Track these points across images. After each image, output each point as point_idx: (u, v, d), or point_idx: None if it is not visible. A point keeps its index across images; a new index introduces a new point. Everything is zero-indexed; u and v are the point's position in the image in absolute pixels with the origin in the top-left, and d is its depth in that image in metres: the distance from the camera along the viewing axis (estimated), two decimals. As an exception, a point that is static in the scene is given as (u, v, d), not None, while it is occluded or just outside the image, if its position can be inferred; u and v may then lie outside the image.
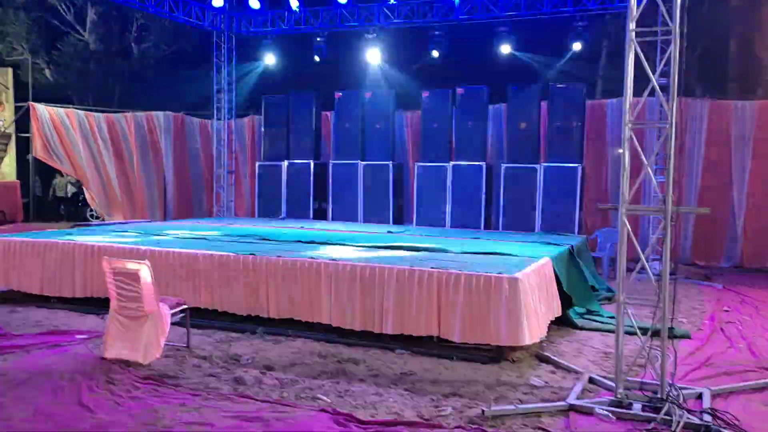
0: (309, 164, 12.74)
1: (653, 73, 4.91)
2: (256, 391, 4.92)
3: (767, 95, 12.48)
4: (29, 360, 5.53)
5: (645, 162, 4.88)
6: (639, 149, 5.01)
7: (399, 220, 12.28)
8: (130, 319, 5.55)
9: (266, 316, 6.61)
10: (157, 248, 7.16)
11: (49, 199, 17.24)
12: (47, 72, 20.10)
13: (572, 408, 4.62)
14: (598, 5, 11.21)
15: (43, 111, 14.81)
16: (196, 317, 6.56)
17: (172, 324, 5.82)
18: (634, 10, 4.81)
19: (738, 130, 11.50)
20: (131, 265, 5.47)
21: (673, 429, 4.21)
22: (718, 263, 11.66)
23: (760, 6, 14.41)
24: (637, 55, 4.86)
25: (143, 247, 7.21)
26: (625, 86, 4.82)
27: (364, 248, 7.73)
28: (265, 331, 6.52)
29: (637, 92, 4.92)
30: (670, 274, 4.66)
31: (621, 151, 5.00)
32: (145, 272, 5.40)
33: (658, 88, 4.89)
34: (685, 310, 8.05)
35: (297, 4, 13.06)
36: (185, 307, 6.00)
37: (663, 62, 5.04)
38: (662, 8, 5.14)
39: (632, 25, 4.81)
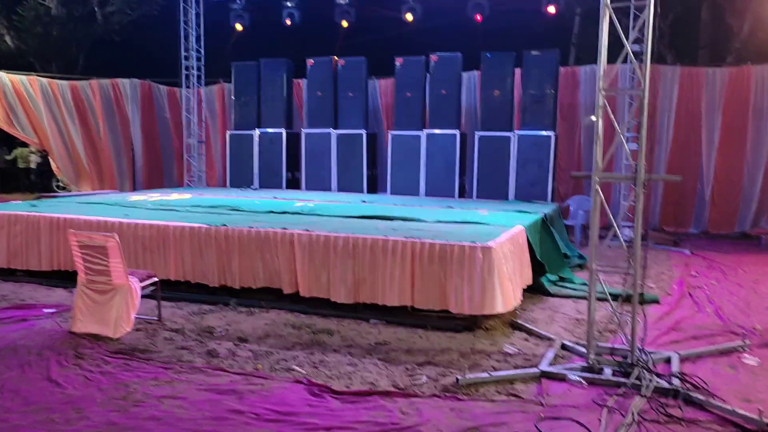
0: (281, 133, 12.55)
1: (627, 40, 4.86)
2: (230, 363, 4.89)
3: (737, 62, 12.55)
4: (-5, 336, 5.40)
5: (618, 129, 4.88)
6: (612, 117, 5.00)
7: (373, 188, 12.22)
8: (98, 293, 5.44)
9: (238, 287, 6.54)
10: (125, 220, 7.00)
11: (12, 170, 16.75)
12: (7, 38, 19.31)
13: (544, 374, 4.68)
14: (572, -30, 11.09)
15: (4, 78, 14.30)
16: (167, 290, 6.47)
17: (143, 297, 5.72)
18: (609, -25, 4.74)
19: (708, 97, 11.61)
20: (98, 238, 5.33)
21: (642, 393, 4.29)
22: (686, 229, 11.87)
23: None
24: (611, 22, 4.80)
25: (111, 219, 7.04)
26: (600, 53, 4.77)
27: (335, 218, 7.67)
28: (238, 303, 6.46)
29: (610, 59, 4.89)
30: (641, 239, 4.71)
31: (593, 118, 4.98)
32: (112, 245, 5.27)
33: (632, 54, 4.85)
34: (655, 275, 8.19)
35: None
36: (155, 279, 5.90)
37: (636, 29, 5.00)
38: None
39: (606, -9, 4.73)
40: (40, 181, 16.34)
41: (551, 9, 11.69)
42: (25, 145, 15.99)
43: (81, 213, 7.47)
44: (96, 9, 19.90)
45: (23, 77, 14.54)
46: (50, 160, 15.32)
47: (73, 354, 4.96)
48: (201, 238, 6.61)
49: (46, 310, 6.17)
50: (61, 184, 15.77)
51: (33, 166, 16.57)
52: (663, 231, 11.72)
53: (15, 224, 7.37)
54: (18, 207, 8.15)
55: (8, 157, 16.63)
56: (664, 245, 10.42)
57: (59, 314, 6.03)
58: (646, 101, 4.71)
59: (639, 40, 4.93)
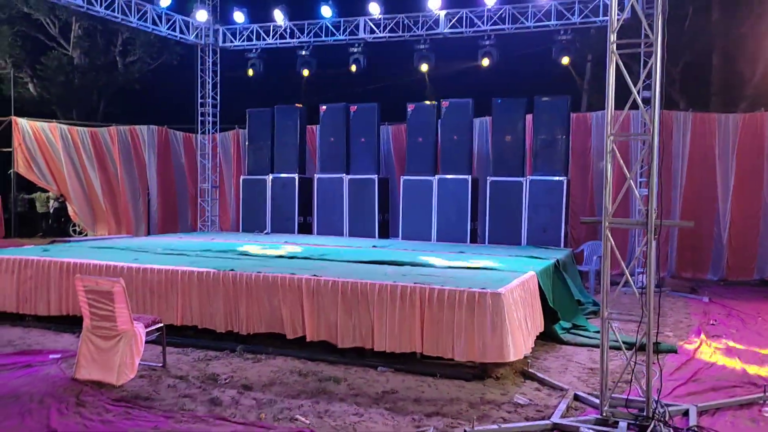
0: (294, 178, 12.63)
1: (636, 86, 4.85)
2: (233, 412, 4.78)
3: (750, 109, 12.52)
4: (-2, 381, 5.35)
5: (628, 175, 4.82)
6: (621, 162, 4.95)
7: (385, 233, 12.18)
8: (103, 338, 5.39)
9: (246, 333, 6.46)
10: (133, 264, 7.00)
11: (30, 215, 16.99)
12: (30, 86, 19.91)
13: (556, 427, 4.51)
14: (581, 18, 11.24)
15: (25, 125, 14.66)
16: (173, 335, 6.41)
17: (148, 342, 5.67)
18: (615, 23, 4.77)
19: (722, 142, 11.53)
20: (104, 283, 5.32)
21: (659, 448, 4.11)
22: (704, 275, 11.63)
23: (741, 21, 14.54)
24: (618, 68, 4.81)
25: (119, 264, 7.04)
26: (607, 99, 4.76)
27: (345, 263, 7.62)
28: (244, 349, 6.36)
29: (622, 105, 4.87)
30: (656, 287, 4.58)
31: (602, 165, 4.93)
32: (118, 290, 5.25)
33: (639, 100, 4.83)
34: (672, 323, 7.99)
35: (282, 17, 13.03)
36: (161, 325, 5.85)
37: (645, 74, 5.00)
38: (644, 21, 5.12)
39: (612, 38, 4.76)
40: (57, 226, 16.54)
41: (565, 60, 11.79)
42: (44, 190, 16.26)
43: (91, 258, 7.49)
44: (117, 58, 20.50)
45: (44, 124, 14.89)
46: (67, 205, 15.54)
47: (75, 402, 4.89)
48: (209, 282, 6.58)
49: (51, 356, 6.13)
50: (77, 228, 15.94)
51: (51, 210, 16.80)
52: (680, 278, 11.50)
53: (26, 269, 7.39)
54: (29, 252, 8.21)
55: (35, 201, 16.88)
56: (681, 292, 10.20)
57: (65, 360, 5.98)
58: (656, 146, 4.66)
59: (649, 86, 4.92)
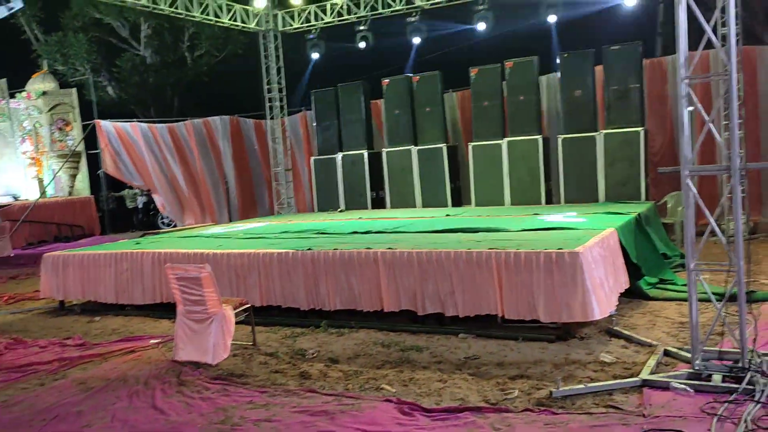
0: (363, 154, 12.74)
1: (710, 23, 4.57)
2: (322, 384, 4.96)
3: None
4: (107, 367, 5.77)
5: (707, 118, 4.57)
6: (699, 106, 4.70)
7: (458, 201, 12.13)
8: (196, 321, 5.70)
9: (328, 309, 6.65)
10: (218, 251, 7.32)
11: (120, 211, 18.02)
12: (109, 89, 20.94)
13: (646, 383, 4.42)
14: (648, -42, 10.63)
15: (108, 127, 15.44)
16: (261, 315, 6.68)
17: (238, 323, 5.94)
18: (682, -42, 4.49)
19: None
20: (192, 270, 5.61)
21: (756, 398, 3.96)
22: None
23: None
24: (689, 5, 4.54)
25: (205, 251, 7.38)
26: (678, 39, 4.52)
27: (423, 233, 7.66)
28: (328, 324, 6.56)
29: (695, 45, 4.61)
30: (750, 232, 4.37)
31: (691, 109, 4.70)
32: (205, 276, 5.52)
33: (714, 38, 4.55)
34: (767, 270, 7.58)
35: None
36: (248, 306, 6.11)
37: (720, 9, 4.70)
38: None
39: (681, -26, 4.49)
40: (147, 219, 17.46)
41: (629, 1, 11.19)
42: (130, 187, 17.16)
43: (179, 247, 7.89)
44: (186, 54, 21.17)
45: (126, 124, 15.65)
46: (155, 199, 16.34)
47: (176, 381, 5.21)
48: (289, 263, 6.80)
49: (152, 341, 6.53)
50: (165, 220, 16.76)
51: (140, 205, 17.73)
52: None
53: (121, 262, 7.88)
54: (123, 245, 8.74)
55: (125, 197, 17.90)
56: (777, 237, 9.63)
57: (164, 344, 6.36)
58: (735, 86, 4.39)
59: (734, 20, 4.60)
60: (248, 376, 5.28)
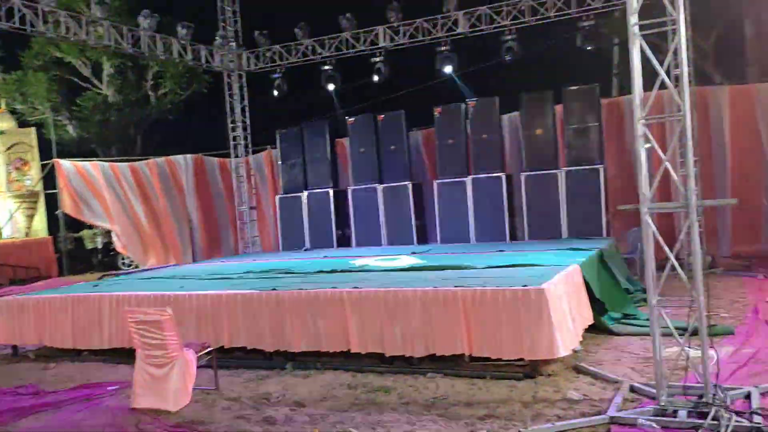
0: (328, 192, 12.74)
1: (663, 65, 4.73)
2: (287, 430, 4.82)
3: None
4: (61, 417, 5.51)
5: (663, 157, 4.70)
6: (655, 145, 4.84)
7: (423, 239, 12.17)
8: (156, 366, 5.52)
9: (293, 350, 6.51)
10: (180, 293, 7.15)
11: (79, 252, 17.53)
12: (69, 128, 20.59)
13: (614, 421, 4.41)
14: (603, 2, 11.05)
15: (68, 166, 15.13)
16: (224, 358, 6.51)
17: (200, 367, 5.77)
18: (634, 4, 4.68)
19: (763, 112, 11.16)
20: (152, 313, 5.45)
21: (722, 434, 3.98)
22: (759, 250, 11.25)
23: (771, -15, 14.07)
24: (642, 48, 4.70)
25: (166, 293, 7.20)
26: (633, 82, 4.67)
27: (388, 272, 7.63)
28: (294, 366, 6.42)
29: (650, 86, 4.76)
30: (709, 267, 4.47)
31: (647, 146, 4.83)
32: (166, 319, 5.37)
33: (668, 79, 4.71)
34: (727, 304, 7.74)
35: (302, 35, 13.17)
36: (210, 349, 5.95)
37: (671, 53, 4.88)
38: (664, -1, 5.00)
39: (633, 19, 4.67)
40: (107, 260, 17.02)
41: (585, 45, 11.57)
42: (89, 227, 16.75)
43: (139, 289, 7.68)
44: (150, 92, 21.04)
45: (86, 163, 15.36)
46: (114, 239, 15.96)
47: (135, 431, 5.01)
48: (253, 303, 6.67)
49: (109, 388, 6.29)
50: (126, 261, 16.37)
51: (99, 246, 17.30)
52: (734, 256, 11.14)
53: (78, 305, 7.62)
54: (80, 288, 8.47)
55: (83, 238, 17.44)
56: (735, 271, 9.87)
57: (122, 391, 6.13)
58: (688, 125, 4.54)
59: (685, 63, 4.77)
60: (210, 422, 5.11)
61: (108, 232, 16.31)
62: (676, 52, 4.72)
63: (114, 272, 13.80)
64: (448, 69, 12.69)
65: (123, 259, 16.54)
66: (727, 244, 11.44)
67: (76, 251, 17.57)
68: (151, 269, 12.53)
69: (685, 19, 4.66)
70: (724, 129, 11.39)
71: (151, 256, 15.64)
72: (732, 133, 11.36)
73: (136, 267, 15.31)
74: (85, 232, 17.42)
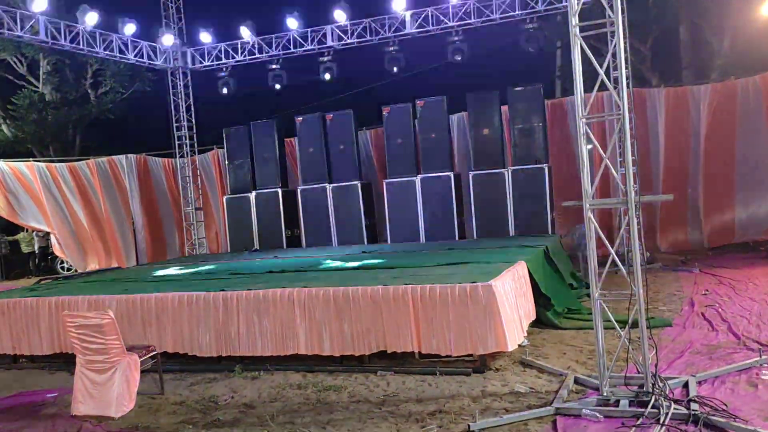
0: (277, 192, 12.60)
1: (603, 67, 4.88)
2: (235, 432, 4.75)
3: (721, 79, 12.64)
4: (-4, 427, 5.29)
5: (603, 155, 4.85)
6: (596, 143, 4.99)
7: (373, 238, 12.18)
8: (97, 372, 5.34)
9: (241, 354, 6.41)
10: (122, 296, 6.94)
11: (15, 256, 16.82)
12: (4, 128, 19.72)
13: (559, 412, 4.52)
14: (545, 6, 11.31)
15: (2, 167, 14.50)
16: (169, 362, 6.36)
17: (144, 372, 5.61)
18: (575, 6, 4.81)
19: (695, 113, 11.65)
20: (93, 317, 5.27)
21: (661, 421, 4.13)
22: (691, 245, 11.75)
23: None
24: (584, 51, 4.84)
25: (108, 296, 6.98)
26: (575, 82, 4.80)
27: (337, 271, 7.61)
28: (242, 368, 6.32)
29: (591, 87, 4.90)
30: (647, 262, 4.63)
31: (590, 147, 4.97)
32: (108, 322, 5.21)
33: (607, 81, 4.86)
34: (664, 297, 8.04)
35: (249, 33, 13.00)
36: (155, 352, 5.80)
37: (610, 55, 5.04)
38: (604, 1, 5.15)
39: (574, 21, 4.80)
40: (45, 264, 16.38)
41: (529, 47, 11.81)
42: (26, 230, 16.09)
43: (79, 293, 7.42)
44: (89, 90, 20.36)
45: (21, 164, 14.73)
46: (52, 243, 15.38)
47: (75, 438, 4.84)
48: (200, 306, 6.54)
49: (48, 395, 6.06)
50: (65, 265, 15.79)
51: (37, 250, 16.63)
52: (669, 251, 11.60)
53: (15, 310, 7.31)
54: (16, 293, 8.11)
55: (20, 242, 16.71)
56: (672, 266, 10.27)
57: (61, 398, 5.91)
58: (627, 124, 4.69)
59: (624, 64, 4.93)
60: (155, 427, 4.98)
61: (46, 236, 15.72)
62: (615, 55, 4.87)
63: (51, 277, 13.28)
64: (394, 69, 12.68)
65: (62, 263, 15.96)
66: (661, 239, 11.90)
67: (12, 255, 16.85)
68: (92, 273, 12.13)
69: (623, 23, 4.82)
70: (661, 130, 11.83)
71: (92, 259, 15.13)
72: (667, 134, 11.81)
73: (76, 271, 14.80)
74: (21, 236, 16.72)
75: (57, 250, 14.86)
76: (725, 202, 11.57)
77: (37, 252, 16.62)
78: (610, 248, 4.75)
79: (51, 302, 7.15)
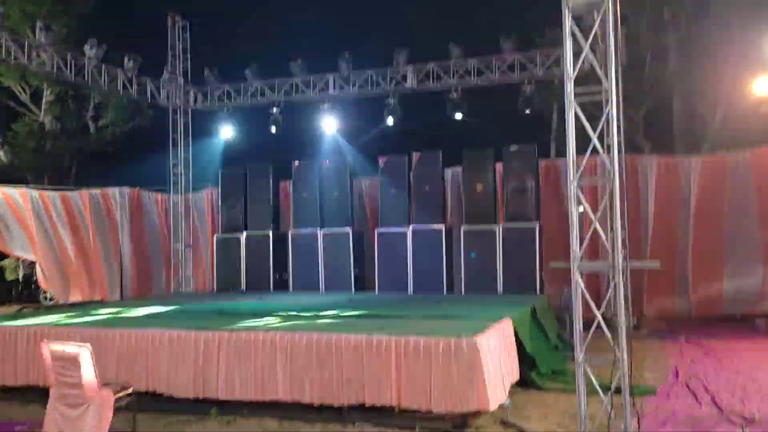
0: (268, 234, 12.59)
1: (596, 132, 4.99)
2: (205, 478, 4.61)
3: (711, 151, 12.90)
4: (-41, 458, 5.12)
5: (593, 218, 4.91)
6: (586, 206, 5.05)
7: (361, 287, 12.12)
8: (70, 407, 5.20)
9: (219, 394, 6.29)
10: (103, 329, 6.84)
11: (-1, 283, 16.61)
12: (1, 153, 19.78)
13: (538, 476, 4.43)
14: (543, 70, 11.60)
15: (-5, 193, 14.44)
16: (145, 400, 6.22)
17: (119, 409, 5.48)
18: (571, 72, 4.95)
19: (685, 183, 11.82)
20: (70, 349, 5.18)
21: (641, 493, 4.05)
22: (678, 313, 11.72)
23: (697, 67, 15.13)
24: (577, 114, 4.96)
25: (87, 329, 6.88)
26: (568, 146, 4.90)
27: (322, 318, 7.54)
28: (219, 411, 6.19)
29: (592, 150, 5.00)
30: (634, 328, 4.63)
31: (581, 209, 5.03)
32: (85, 356, 5.11)
33: (599, 146, 4.97)
34: (650, 364, 7.99)
35: (252, 76, 13.21)
36: (131, 390, 5.67)
37: (603, 121, 5.15)
38: (599, 71, 5.30)
39: (570, 87, 4.93)
40: (28, 293, 16.16)
41: (526, 110, 12.05)
42: (8, 256, 15.92)
43: (59, 324, 7.31)
44: (89, 122, 20.53)
45: (14, 190, 14.70)
46: (37, 272, 15.20)
47: (40, 475, 4.68)
48: (180, 344, 6.44)
49: (17, 428, 5.90)
50: (48, 295, 15.57)
51: (20, 278, 16.44)
52: (656, 318, 11.57)
53: (-8, 338, 7.18)
54: (-4, 320, 8.00)
55: (4, 268, 16.51)
56: (658, 333, 10.24)
57: (30, 431, 5.75)
58: (616, 190, 4.77)
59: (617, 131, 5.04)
60: (124, 468, 4.84)
61: (31, 264, 15.55)
62: (608, 121, 4.98)
63: (33, 305, 13.08)
64: (390, 121, 12.81)
65: (44, 293, 15.74)
66: (647, 306, 11.88)
67: (-5, 282, 16.63)
68: (74, 304, 11.97)
69: (618, 91, 4.95)
70: (651, 196, 11.96)
71: (74, 291, 14.92)
72: (657, 202, 11.94)
73: (57, 302, 14.59)
74: (6, 262, 16.54)
75: (40, 280, 14.68)
76: (713, 273, 11.60)
77: (21, 280, 16.42)
78: (597, 312, 4.75)
79: (30, 332, 7.03)
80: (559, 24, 5.05)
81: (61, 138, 20.09)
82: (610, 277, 5.60)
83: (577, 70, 5.03)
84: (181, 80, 13.78)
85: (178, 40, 13.99)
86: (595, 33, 5.19)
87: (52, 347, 5.28)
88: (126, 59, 12.42)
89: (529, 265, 10.64)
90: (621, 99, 5.01)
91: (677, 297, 11.83)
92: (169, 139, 14.08)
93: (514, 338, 6.78)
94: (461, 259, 11.21)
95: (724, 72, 14.41)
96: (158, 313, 8.40)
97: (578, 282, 4.77)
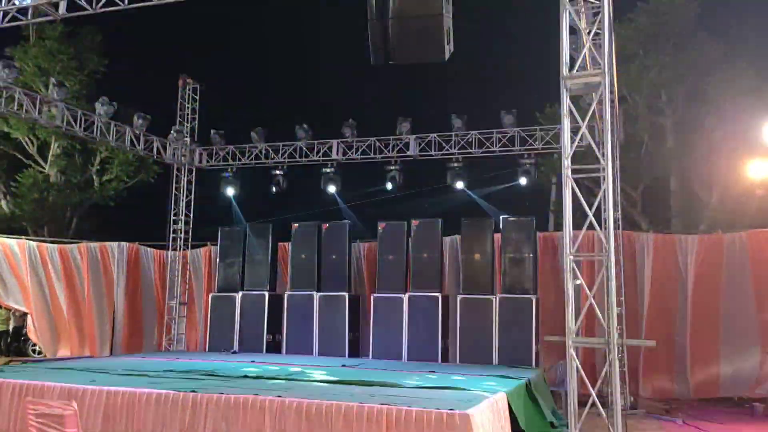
0: (264, 295, 12.52)
1: (591, 208, 5.07)
2: None
3: (708, 230, 13.00)
4: None
5: (588, 293, 4.92)
6: (582, 282, 5.07)
7: (355, 352, 11.95)
8: (50, 467, 5.06)
9: (205, 461, 6.12)
10: (90, 387, 6.71)
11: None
12: (3, 203, 19.90)
13: None
14: (543, 144, 11.85)
15: (-8, 243, 14.45)
16: (127, 463, 6.04)
17: (99, 471, 5.33)
18: (568, 149, 5.08)
19: (682, 262, 11.83)
20: (56, 407, 5.08)
21: None
22: (675, 394, 11.50)
23: (694, 147, 15.44)
24: (574, 190, 5.05)
25: (74, 386, 6.75)
26: (565, 220, 4.97)
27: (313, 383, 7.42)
28: (202, 477, 6.01)
29: (590, 225, 5.06)
30: (630, 408, 4.55)
31: (577, 283, 5.06)
32: (69, 414, 5.00)
33: (595, 223, 5.04)
34: (647, 446, 7.80)
35: (258, 139, 13.49)
36: (114, 451, 5.53)
37: (599, 198, 5.25)
38: (596, 149, 5.44)
39: (567, 163, 5.05)
40: (17, 345, 15.91)
41: (524, 181, 12.25)
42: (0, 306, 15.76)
43: (46, 379, 7.18)
44: (94, 176, 20.75)
45: (12, 241, 14.71)
46: (28, 324, 15.03)
47: None
48: (168, 405, 6.31)
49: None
50: (37, 348, 15.34)
51: (10, 329, 16.22)
52: (652, 398, 11.35)
53: (-24, 391, 7.03)
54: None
55: None
56: (655, 414, 10.03)
57: (5, 492, 5.56)
58: (612, 266, 4.80)
59: (614, 207, 5.14)
60: None
61: (23, 316, 15.38)
62: (606, 197, 5.08)
63: (21, 359, 12.86)
64: (389, 186, 12.96)
65: (34, 345, 15.52)
66: (643, 386, 11.65)
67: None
68: (63, 359, 11.78)
69: (615, 168, 5.07)
70: (647, 273, 11.94)
71: (63, 345, 14.70)
72: (653, 277, 11.91)
73: (45, 356, 14.35)
74: (-2, 312, 16.35)
75: (31, 333, 14.50)
76: (711, 355, 11.43)
77: (10, 331, 16.19)
78: (591, 389, 4.69)
79: (15, 386, 6.90)
80: (559, 101, 5.22)
81: (64, 191, 20.26)
82: (606, 353, 5.58)
83: (574, 147, 5.17)
84: (187, 139, 14.03)
85: (188, 101, 14.35)
86: (593, 112, 5.36)
87: (37, 404, 5.18)
88: (136, 117, 12.70)
89: (525, 337, 10.54)
90: (618, 178, 5.13)
91: (675, 376, 11.63)
92: (170, 196, 14.20)
93: (508, 412, 6.64)
94: (457, 328, 11.11)
95: (719, 154, 14.69)
96: (146, 372, 8.25)
97: (573, 357, 4.73)
